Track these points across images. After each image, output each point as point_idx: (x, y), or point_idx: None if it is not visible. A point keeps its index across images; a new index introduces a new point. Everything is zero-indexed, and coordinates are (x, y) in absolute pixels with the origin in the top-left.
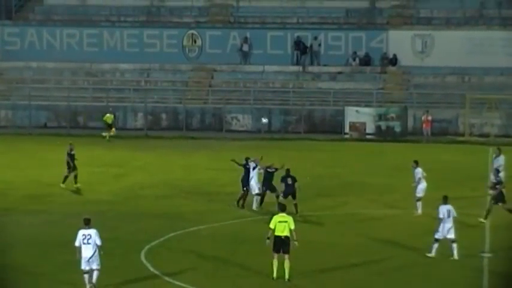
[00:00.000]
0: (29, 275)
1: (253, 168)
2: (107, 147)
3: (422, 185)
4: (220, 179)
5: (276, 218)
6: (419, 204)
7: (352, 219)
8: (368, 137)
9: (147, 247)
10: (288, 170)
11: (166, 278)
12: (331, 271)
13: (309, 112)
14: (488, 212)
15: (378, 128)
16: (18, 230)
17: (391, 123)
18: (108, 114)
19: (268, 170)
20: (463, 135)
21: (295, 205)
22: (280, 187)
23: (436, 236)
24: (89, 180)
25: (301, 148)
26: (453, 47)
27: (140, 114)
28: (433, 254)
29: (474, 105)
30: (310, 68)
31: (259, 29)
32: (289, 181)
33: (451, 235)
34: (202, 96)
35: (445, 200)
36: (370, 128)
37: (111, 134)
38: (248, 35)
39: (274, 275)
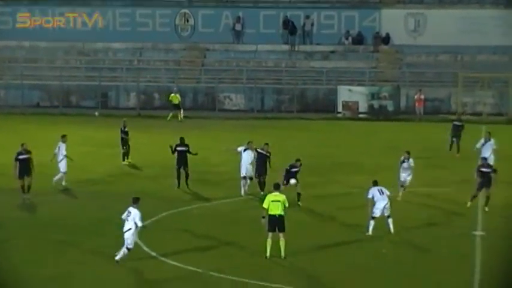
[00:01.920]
0: (27, 262)
1: (244, 150)
2: (100, 126)
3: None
4: (213, 158)
5: (269, 197)
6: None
7: (345, 198)
8: (361, 116)
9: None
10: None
11: (160, 257)
12: (325, 249)
13: (301, 91)
14: (474, 197)
15: (371, 107)
16: (5, 210)
17: (383, 102)
18: (173, 94)
19: (259, 151)
20: (455, 113)
21: (298, 194)
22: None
23: (373, 215)
24: (82, 160)
25: (294, 127)
26: (446, 26)
27: (133, 94)
28: (370, 232)
29: (467, 83)
30: (302, 47)
31: (252, 8)
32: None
33: (387, 212)
34: (195, 75)
35: (375, 183)
36: (362, 107)
37: (181, 116)
38: (241, 14)
39: (268, 253)
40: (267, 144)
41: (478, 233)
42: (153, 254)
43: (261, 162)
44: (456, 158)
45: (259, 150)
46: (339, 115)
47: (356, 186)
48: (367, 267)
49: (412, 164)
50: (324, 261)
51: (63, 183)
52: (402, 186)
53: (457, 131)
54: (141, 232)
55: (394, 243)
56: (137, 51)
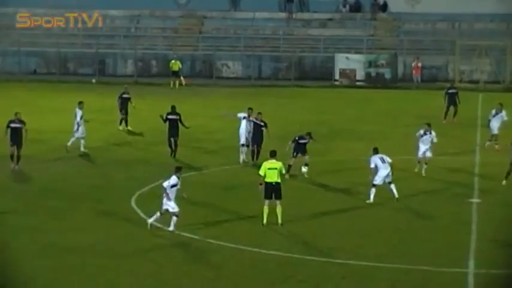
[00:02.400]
0: (26, 228)
1: (244, 118)
2: (97, 94)
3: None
4: (210, 125)
5: (266, 165)
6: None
7: (342, 165)
8: (358, 83)
9: (137, 193)
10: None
11: (157, 224)
12: (323, 216)
13: (299, 59)
14: (508, 173)
15: (368, 74)
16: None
17: (381, 70)
18: (173, 61)
19: (256, 121)
20: (453, 81)
21: (306, 165)
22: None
23: (375, 183)
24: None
25: (291, 95)
26: None
27: (130, 61)
28: (371, 200)
29: (464, 51)
30: (300, 15)
31: None
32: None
33: (389, 179)
34: (193, 43)
35: (376, 151)
36: (360, 75)
37: (183, 82)
38: None
39: (265, 221)
40: (260, 113)
41: (475, 200)
42: (150, 220)
43: (256, 131)
44: (454, 123)
45: (252, 119)
46: (336, 83)
47: (354, 153)
48: (365, 233)
49: (435, 139)
50: (321, 228)
51: (82, 148)
52: (421, 161)
53: (451, 99)
54: (137, 199)
55: (392, 210)
56: (135, 18)
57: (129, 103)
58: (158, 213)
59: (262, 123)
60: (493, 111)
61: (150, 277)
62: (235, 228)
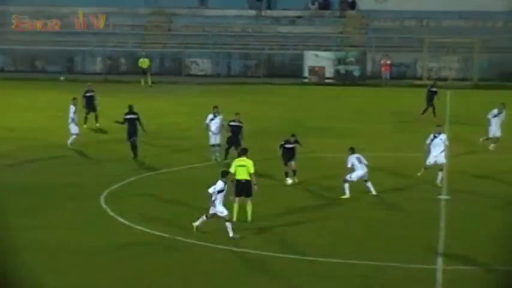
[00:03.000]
0: None
1: (211, 120)
2: (66, 91)
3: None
4: (180, 123)
5: (236, 162)
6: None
7: (313, 162)
8: (327, 81)
9: (107, 191)
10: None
11: (126, 222)
12: (293, 213)
13: (268, 56)
14: None
15: (337, 72)
16: None
17: (350, 67)
18: (142, 59)
19: (232, 124)
20: (421, 78)
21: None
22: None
23: (349, 179)
24: (49, 124)
25: (261, 92)
26: None
27: (99, 59)
28: (347, 195)
29: (432, 49)
30: (269, 12)
31: None
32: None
33: (365, 177)
34: (162, 40)
35: (352, 150)
36: (329, 72)
37: (149, 81)
38: None
39: (234, 218)
40: (237, 113)
41: (444, 197)
42: (120, 219)
43: (234, 133)
44: (434, 120)
45: (231, 123)
46: (306, 80)
47: (325, 150)
48: (336, 230)
49: (446, 142)
50: (292, 225)
51: (69, 142)
52: (434, 167)
53: (432, 97)
54: (107, 197)
55: (363, 207)
56: (103, 16)
57: (94, 101)
58: (204, 217)
59: (241, 124)
60: (495, 111)
61: (121, 275)
62: (205, 226)
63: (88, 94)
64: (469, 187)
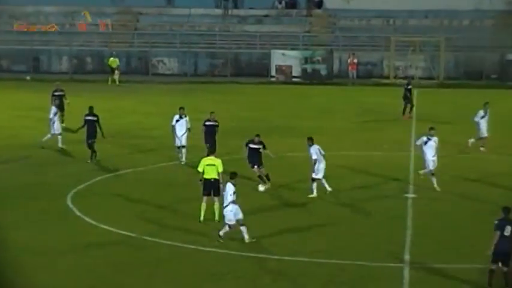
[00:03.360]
0: None
1: (176, 121)
2: (32, 91)
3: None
4: (147, 122)
5: (204, 161)
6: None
7: (280, 162)
8: (294, 80)
9: (73, 191)
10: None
11: (93, 222)
12: (259, 212)
13: (235, 55)
14: None
15: (304, 70)
16: None
17: (317, 66)
18: (112, 58)
19: (208, 124)
20: (387, 77)
21: (267, 175)
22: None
23: (315, 177)
24: (14, 124)
25: (228, 91)
26: None
27: (65, 58)
28: (314, 194)
29: (399, 47)
30: (236, 11)
31: None
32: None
33: (323, 173)
34: (128, 39)
35: (312, 141)
36: (296, 71)
37: (116, 80)
38: None
39: (202, 218)
40: (213, 112)
41: (410, 195)
42: (86, 218)
43: (210, 133)
44: (409, 118)
45: (207, 123)
46: (273, 79)
47: (291, 149)
48: (302, 229)
49: (437, 143)
50: (258, 225)
51: (60, 144)
52: (429, 171)
53: (408, 95)
54: (73, 196)
55: (328, 206)
56: (69, 15)
57: (64, 99)
58: (227, 227)
59: (216, 123)
60: (481, 112)
61: (86, 274)
62: (172, 225)
63: (57, 93)
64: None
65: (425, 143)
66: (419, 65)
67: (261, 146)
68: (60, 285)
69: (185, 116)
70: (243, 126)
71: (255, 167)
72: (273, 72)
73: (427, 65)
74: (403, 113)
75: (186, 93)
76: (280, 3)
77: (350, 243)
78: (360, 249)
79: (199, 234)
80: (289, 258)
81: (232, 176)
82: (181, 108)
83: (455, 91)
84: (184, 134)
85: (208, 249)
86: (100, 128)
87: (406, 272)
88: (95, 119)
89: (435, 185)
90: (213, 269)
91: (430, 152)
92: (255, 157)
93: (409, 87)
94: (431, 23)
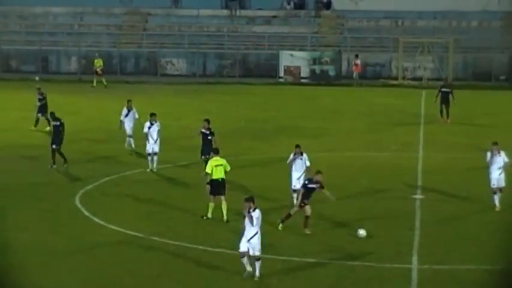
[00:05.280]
0: None
1: (149, 127)
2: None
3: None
4: None
5: (212, 162)
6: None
7: (284, 162)
8: (302, 81)
9: (81, 191)
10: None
11: (101, 222)
12: (267, 213)
13: (243, 56)
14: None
15: (312, 71)
16: None
17: (325, 67)
18: (96, 60)
19: (203, 131)
20: (396, 78)
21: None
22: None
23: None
24: (22, 124)
25: (236, 92)
26: None
27: (74, 58)
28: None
29: (407, 48)
30: (244, 12)
31: None
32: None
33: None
34: (137, 40)
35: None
36: (304, 72)
37: (101, 79)
38: None
39: (210, 215)
40: (206, 120)
41: (418, 196)
42: (95, 219)
43: (204, 143)
44: (447, 123)
45: (202, 130)
46: (281, 80)
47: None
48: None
49: (506, 159)
50: (266, 225)
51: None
52: (496, 191)
53: (445, 98)
54: (82, 197)
55: (335, 207)
56: (78, 15)
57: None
58: (246, 258)
59: (208, 132)
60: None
61: (95, 274)
62: (180, 226)
63: (40, 97)
64: (443, 187)
65: (491, 158)
66: (427, 66)
67: (318, 185)
68: (68, 285)
69: (156, 122)
70: (251, 127)
71: (305, 206)
72: (281, 73)
73: (436, 66)
74: (441, 116)
75: (194, 94)
76: (288, 4)
77: (357, 244)
78: (368, 250)
79: (207, 234)
80: (296, 259)
81: (247, 200)
82: (152, 114)
83: (463, 92)
84: (156, 140)
85: (216, 249)
86: (62, 135)
87: (414, 273)
88: (58, 123)
89: (497, 203)
90: (220, 270)
91: (495, 170)
92: (308, 194)
93: (444, 89)
94: (440, 24)
